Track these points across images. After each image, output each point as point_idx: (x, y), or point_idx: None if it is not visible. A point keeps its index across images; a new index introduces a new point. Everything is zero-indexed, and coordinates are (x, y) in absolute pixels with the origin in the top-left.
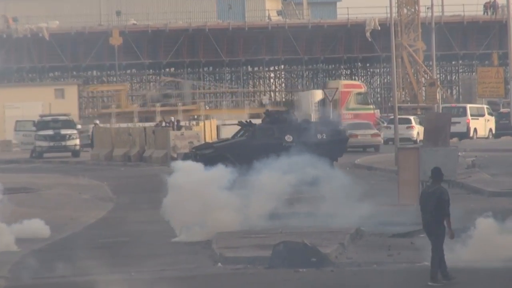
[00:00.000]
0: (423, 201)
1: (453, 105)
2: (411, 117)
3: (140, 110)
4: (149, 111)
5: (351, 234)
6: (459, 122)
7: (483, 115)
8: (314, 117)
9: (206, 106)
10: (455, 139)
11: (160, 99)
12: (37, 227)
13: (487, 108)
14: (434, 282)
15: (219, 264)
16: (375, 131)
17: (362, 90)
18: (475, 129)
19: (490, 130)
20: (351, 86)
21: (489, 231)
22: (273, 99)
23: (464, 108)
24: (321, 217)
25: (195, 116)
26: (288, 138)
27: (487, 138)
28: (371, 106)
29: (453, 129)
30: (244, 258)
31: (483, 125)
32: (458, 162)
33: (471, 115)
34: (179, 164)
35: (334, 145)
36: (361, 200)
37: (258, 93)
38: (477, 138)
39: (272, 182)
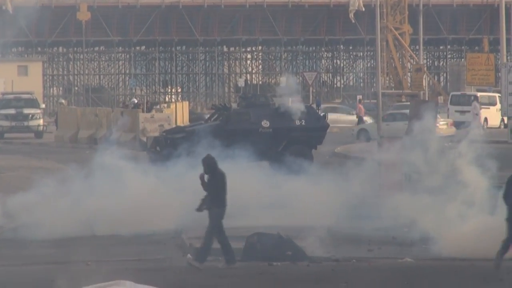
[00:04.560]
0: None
1: (463, 93)
2: None
3: None
4: None
5: (329, 227)
6: (468, 111)
7: (494, 104)
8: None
9: None
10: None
11: None
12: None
13: (499, 96)
14: None
15: (189, 255)
16: None
17: None
18: (486, 119)
19: (503, 120)
20: None
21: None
22: (249, 82)
23: (475, 97)
24: (297, 209)
25: None
26: (265, 123)
27: (499, 128)
28: None
29: (462, 118)
30: (215, 250)
31: (494, 114)
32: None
33: (482, 104)
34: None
35: (313, 132)
36: (341, 192)
37: (233, 75)
38: (487, 128)
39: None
